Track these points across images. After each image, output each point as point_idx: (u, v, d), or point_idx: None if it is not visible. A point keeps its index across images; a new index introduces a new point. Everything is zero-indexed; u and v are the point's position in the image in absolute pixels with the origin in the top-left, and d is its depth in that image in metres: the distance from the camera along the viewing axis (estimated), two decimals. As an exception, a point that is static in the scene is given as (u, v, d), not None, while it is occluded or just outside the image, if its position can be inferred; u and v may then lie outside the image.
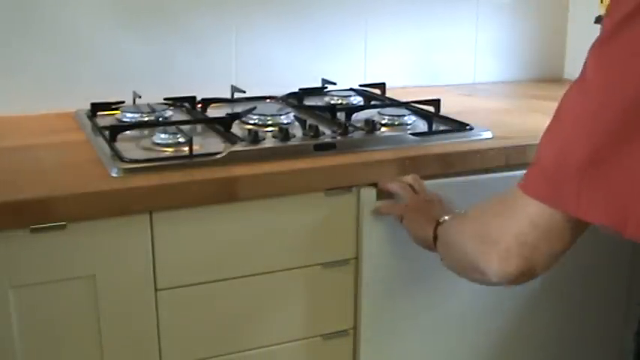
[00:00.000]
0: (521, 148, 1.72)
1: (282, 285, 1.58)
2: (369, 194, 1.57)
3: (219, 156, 1.50)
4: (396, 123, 1.80)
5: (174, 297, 1.48)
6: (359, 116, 1.80)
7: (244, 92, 2.01)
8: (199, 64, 2.08)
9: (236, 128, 1.70)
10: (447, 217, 1.36)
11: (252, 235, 1.51)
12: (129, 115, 1.80)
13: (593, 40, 1.01)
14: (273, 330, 1.60)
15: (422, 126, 1.80)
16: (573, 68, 2.60)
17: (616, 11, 0.97)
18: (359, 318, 1.65)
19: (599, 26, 1.02)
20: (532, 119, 2.00)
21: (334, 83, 2.16)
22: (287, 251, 1.56)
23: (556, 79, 2.63)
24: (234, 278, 1.52)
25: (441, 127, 1.80)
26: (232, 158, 1.50)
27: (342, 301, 1.65)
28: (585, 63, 1.02)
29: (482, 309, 1.78)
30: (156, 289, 1.45)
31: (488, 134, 1.77)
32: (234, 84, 2.04)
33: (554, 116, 1.07)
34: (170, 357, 1.51)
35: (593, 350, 2.01)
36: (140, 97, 1.91)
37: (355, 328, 1.67)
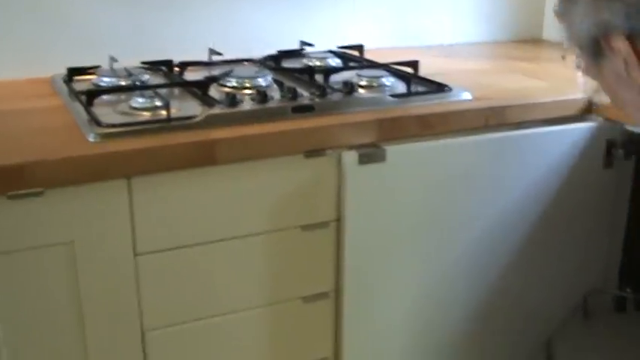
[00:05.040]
0: (501, 109, 1.72)
1: (262, 247, 1.58)
2: (351, 157, 1.56)
3: (196, 119, 1.49)
4: (375, 84, 1.79)
5: (154, 261, 1.47)
6: (337, 78, 1.79)
7: (222, 55, 2.00)
8: (176, 27, 2.06)
9: (214, 91, 1.69)
10: None
11: (231, 199, 1.51)
12: (105, 79, 1.78)
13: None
14: (254, 292, 1.60)
15: (400, 87, 1.79)
16: (552, 29, 2.60)
17: None
18: (341, 280, 1.66)
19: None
20: (511, 80, 2.00)
21: (312, 45, 2.15)
22: (267, 214, 1.55)
23: (535, 40, 2.63)
24: (213, 242, 1.52)
25: (420, 89, 1.79)
26: (210, 121, 1.50)
27: (323, 263, 1.65)
28: None
29: (466, 267, 1.79)
30: (135, 254, 1.45)
31: (467, 95, 1.77)
32: (211, 47, 2.02)
33: None
34: (151, 321, 1.51)
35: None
36: (117, 61, 1.89)
37: (337, 290, 1.68)
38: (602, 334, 1.93)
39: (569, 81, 1.98)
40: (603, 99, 1.14)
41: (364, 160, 1.57)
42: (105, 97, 1.65)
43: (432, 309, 1.80)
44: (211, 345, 1.59)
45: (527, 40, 2.62)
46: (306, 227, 1.60)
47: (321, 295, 1.68)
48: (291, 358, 1.71)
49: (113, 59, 1.89)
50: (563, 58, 2.28)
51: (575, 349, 1.88)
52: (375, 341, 1.75)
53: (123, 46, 1.98)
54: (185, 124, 1.48)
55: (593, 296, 1.98)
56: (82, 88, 1.71)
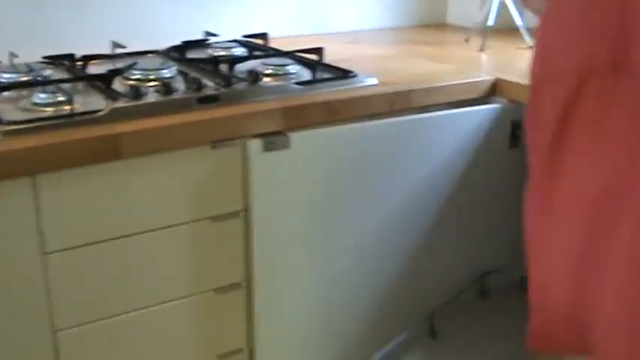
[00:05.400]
0: (406, 94, 1.74)
1: (172, 241, 1.57)
2: (255, 145, 1.57)
3: (101, 113, 1.47)
4: (280, 73, 1.80)
5: (64, 260, 1.45)
6: (242, 67, 1.79)
7: (125, 47, 1.98)
8: (78, 20, 2.03)
9: (118, 84, 1.67)
10: None
11: (139, 193, 1.50)
12: (5, 75, 1.74)
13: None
14: (165, 287, 1.60)
15: (306, 75, 1.80)
16: (456, 13, 2.64)
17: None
18: (252, 270, 1.66)
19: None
20: (416, 64, 2.02)
21: (217, 35, 2.14)
22: (175, 207, 1.55)
23: (439, 25, 2.66)
24: (123, 237, 1.51)
25: (325, 76, 1.80)
26: (115, 115, 1.48)
27: (234, 253, 1.65)
28: None
29: (373, 250, 1.81)
30: (43, 253, 1.43)
31: (372, 81, 1.79)
32: (114, 39, 2.00)
33: None
34: (62, 321, 1.49)
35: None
36: (17, 56, 1.85)
37: (248, 280, 1.68)
38: (491, 312, 1.99)
39: (473, 64, 2.02)
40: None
41: (268, 147, 1.57)
42: (5, 93, 1.62)
43: (340, 293, 1.82)
44: (126, 341, 1.58)
45: (431, 25, 2.65)
46: (215, 218, 1.60)
47: (234, 286, 1.68)
48: (207, 350, 1.71)
49: (13, 55, 1.85)
50: (467, 41, 2.32)
51: (455, 327, 1.94)
52: (286, 329, 1.76)
53: (23, 41, 1.94)
54: (89, 118, 1.46)
55: (497, 275, 2.04)
56: (-19, 85, 1.67)
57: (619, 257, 0.93)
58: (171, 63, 1.83)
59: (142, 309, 1.58)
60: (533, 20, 1.15)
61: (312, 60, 1.88)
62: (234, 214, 1.62)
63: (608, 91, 0.92)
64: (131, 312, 1.57)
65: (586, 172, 0.96)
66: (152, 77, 1.72)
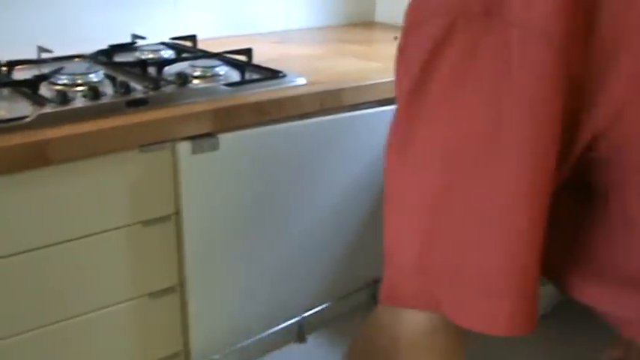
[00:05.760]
0: (336, 92, 1.75)
1: (104, 247, 1.56)
2: (184, 148, 1.56)
3: (27, 120, 1.45)
4: (209, 74, 1.79)
5: (-7, 269, 1.44)
6: (171, 70, 1.78)
7: (52, 52, 1.95)
8: (2, 25, 2.00)
9: (44, 90, 1.65)
10: None
11: (69, 199, 1.48)
12: None
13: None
14: (98, 293, 1.58)
15: (235, 76, 1.80)
16: (384, 12, 2.66)
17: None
18: (184, 273, 1.66)
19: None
20: (345, 63, 2.04)
21: (144, 38, 2.13)
22: (106, 212, 1.53)
23: (367, 23, 2.68)
24: (54, 244, 1.49)
25: (254, 76, 1.81)
26: (42, 121, 1.46)
27: (167, 257, 1.65)
28: None
29: (308, 247, 1.82)
30: (-30, 263, 1.41)
31: (301, 80, 1.80)
32: (40, 44, 1.97)
33: None
34: (-7, 330, 1.47)
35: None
36: (-61, 63, 1.83)
37: (182, 283, 1.68)
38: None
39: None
40: None
41: (197, 150, 1.57)
42: None
43: (274, 291, 1.82)
44: (63, 350, 1.57)
45: (359, 24, 2.67)
46: (147, 222, 1.59)
47: (169, 290, 1.67)
48: (144, 356, 1.70)
49: None
50: (396, 38, 2.33)
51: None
52: (222, 331, 1.76)
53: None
54: (15, 125, 1.44)
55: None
56: None
57: (472, 210, 0.91)
58: (98, 67, 1.82)
59: (77, 316, 1.57)
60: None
61: (241, 61, 1.89)
62: (165, 218, 1.61)
63: (477, 37, 0.89)
64: (67, 320, 1.56)
65: (446, 118, 0.92)
66: (79, 82, 1.70)
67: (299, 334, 1.95)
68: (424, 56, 0.93)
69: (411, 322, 1.02)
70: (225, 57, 1.91)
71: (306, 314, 1.94)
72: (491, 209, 0.89)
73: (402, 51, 0.97)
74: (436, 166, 0.93)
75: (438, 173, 0.93)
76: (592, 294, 1.00)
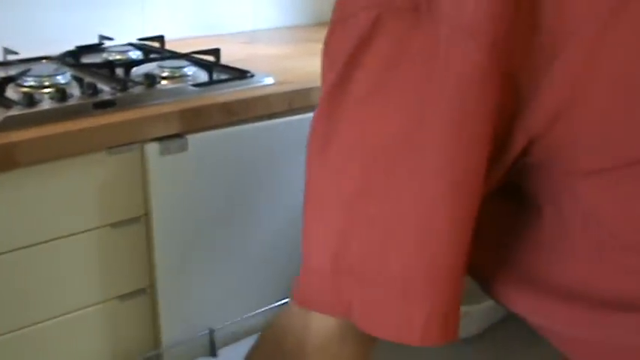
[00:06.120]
0: (304, 92, 1.76)
1: (72, 250, 1.55)
2: (153, 149, 1.56)
3: (-6, 123, 1.45)
4: (177, 75, 1.79)
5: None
6: (139, 71, 1.77)
7: (18, 54, 1.94)
8: (-34, 27, 1.99)
9: (11, 92, 1.63)
10: None
11: (37, 202, 1.47)
12: None
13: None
14: (67, 297, 1.57)
15: (203, 76, 1.80)
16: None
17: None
18: (154, 274, 1.66)
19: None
20: (314, 63, 2.03)
21: (112, 39, 2.12)
22: (74, 215, 1.53)
23: (335, 22, 2.68)
24: (23, 248, 1.48)
25: (222, 76, 1.81)
26: (8, 124, 1.45)
27: (137, 259, 1.64)
28: None
29: (280, 246, 1.82)
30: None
31: (270, 80, 1.80)
32: (5, 46, 1.96)
33: None
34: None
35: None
36: None
37: (152, 285, 1.68)
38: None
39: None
40: None
41: (165, 151, 1.57)
42: None
43: (245, 290, 1.83)
44: (33, 355, 1.56)
45: (328, 23, 2.66)
46: (116, 224, 1.58)
47: (139, 292, 1.67)
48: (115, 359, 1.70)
49: None
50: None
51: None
52: (193, 332, 1.76)
53: None
54: (-19, 128, 1.44)
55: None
56: None
57: (390, 210, 0.87)
58: (65, 68, 1.81)
59: (47, 320, 1.56)
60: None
61: (209, 61, 1.88)
62: (135, 220, 1.61)
63: (403, 33, 0.83)
64: (37, 324, 1.55)
65: (368, 119, 0.87)
66: (46, 84, 1.69)
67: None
68: (349, 50, 0.89)
69: (321, 327, 0.99)
70: (193, 57, 1.90)
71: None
72: (410, 209, 0.87)
73: (327, 44, 0.93)
74: (355, 165, 0.89)
75: (357, 172, 0.89)
76: (524, 304, 0.98)
